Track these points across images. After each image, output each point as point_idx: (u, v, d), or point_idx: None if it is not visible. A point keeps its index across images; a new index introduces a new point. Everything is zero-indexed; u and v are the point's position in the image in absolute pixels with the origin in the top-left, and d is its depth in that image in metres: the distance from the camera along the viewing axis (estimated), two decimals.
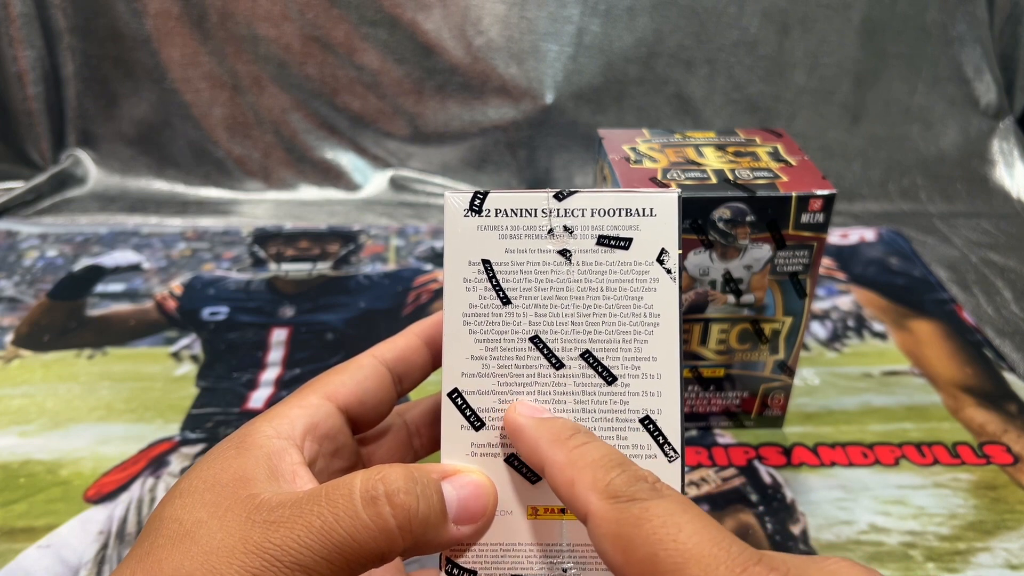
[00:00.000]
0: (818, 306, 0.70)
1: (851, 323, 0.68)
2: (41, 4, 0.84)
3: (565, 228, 0.27)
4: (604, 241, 0.27)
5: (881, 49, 0.91)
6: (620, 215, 0.27)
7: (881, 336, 0.66)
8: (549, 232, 0.27)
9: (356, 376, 0.29)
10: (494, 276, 0.28)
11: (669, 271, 0.27)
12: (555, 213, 0.27)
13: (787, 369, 0.52)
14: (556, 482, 0.23)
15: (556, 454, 0.23)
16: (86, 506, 0.49)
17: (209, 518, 0.23)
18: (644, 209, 0.27)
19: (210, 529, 0.23)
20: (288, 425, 0.26)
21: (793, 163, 0.48)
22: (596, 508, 0.21)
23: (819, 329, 0.67)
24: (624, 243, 0.27)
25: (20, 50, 0.85)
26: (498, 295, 0.27)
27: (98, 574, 0.45)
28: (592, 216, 0.27)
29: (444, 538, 0.24)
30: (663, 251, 0.27)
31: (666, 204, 0.27)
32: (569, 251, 0.27)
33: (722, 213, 0.45)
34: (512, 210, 0.28)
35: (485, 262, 0.28)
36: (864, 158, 0.93)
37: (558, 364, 0.27)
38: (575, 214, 0.27)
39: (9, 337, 0.65)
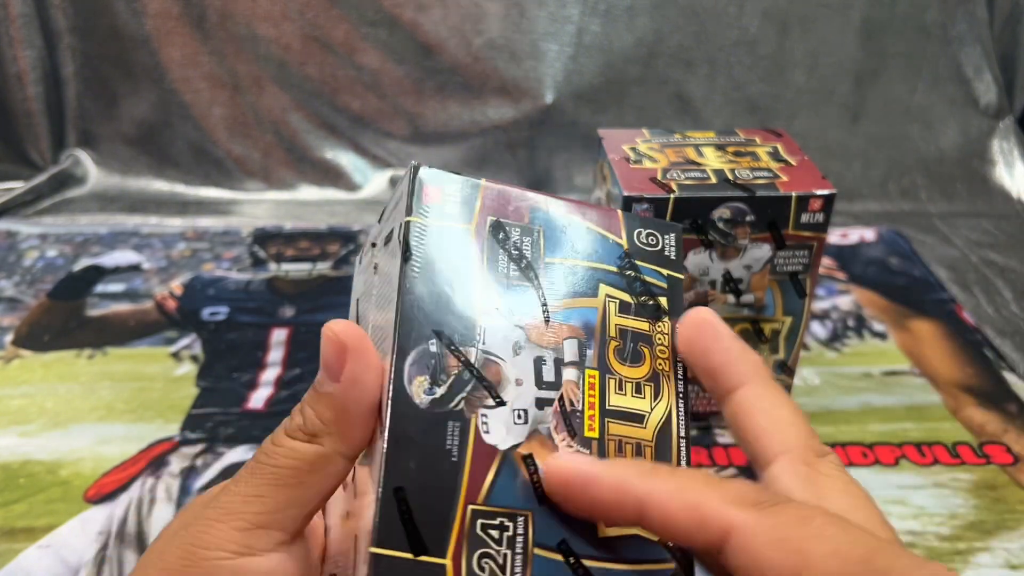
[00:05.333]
0: (818, 306, 0.70)
1: (851, 323, 0.68)
2: (41, 4, 0.84)
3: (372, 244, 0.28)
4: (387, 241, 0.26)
5: (881, 49, 0.91)
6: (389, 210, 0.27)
7: (881, 336, 0.66)
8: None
9: None
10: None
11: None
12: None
13: (787, 369, 0.52)
14: (668, 510, 0.20)
15: (659, 484, 0.21)
16: (86, 506, 0.49)
17: (172, 521, 0.24)
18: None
19: (167, 528, 0.24)
20: None
21: (793, 163, 0.48)
22: (744, 519, 0.19)
23: (819, 329, 0.67)
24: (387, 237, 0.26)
25: (20, 50, 0.85)
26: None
27: (98, 574, 0.45)
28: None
29: (340, 401, 0.23)
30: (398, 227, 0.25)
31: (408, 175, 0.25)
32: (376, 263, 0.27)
33: (722, 213, 0.45)
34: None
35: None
36: (864, 158, 0.93)
37: None
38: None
39: (9, 337, 0.65)
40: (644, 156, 0.49)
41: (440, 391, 0.22)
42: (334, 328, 0.23)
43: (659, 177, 0.46)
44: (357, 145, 0.91)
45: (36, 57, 0.86)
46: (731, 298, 0.49)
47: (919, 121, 0.93)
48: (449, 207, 0.25)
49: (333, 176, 0.91)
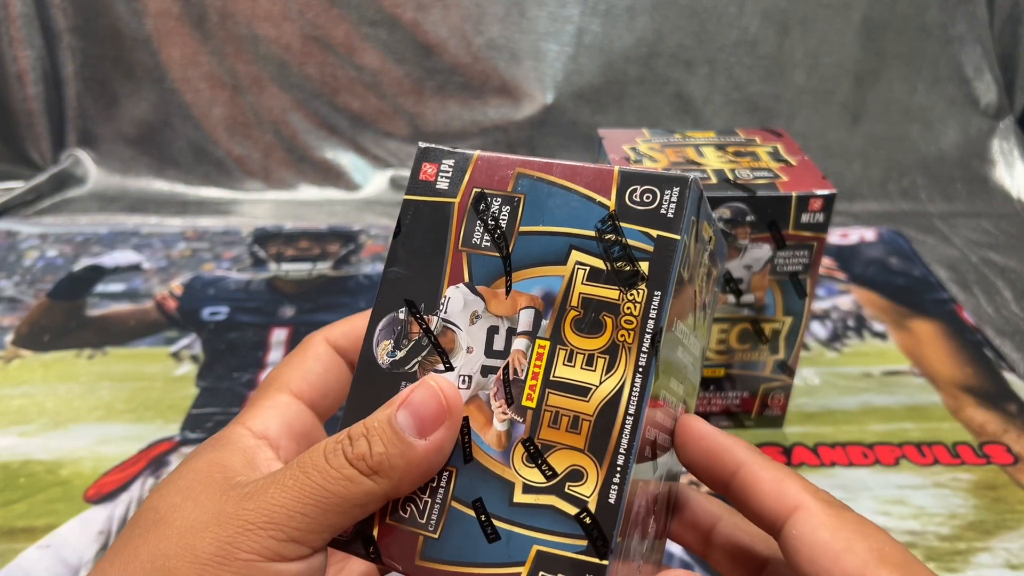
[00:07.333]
0: (818, 306, 0.70)
1: (851, 323, 0.68)
2: (41, 4, 0.84)
3: None
4: None
5: (881, 49, 0.91)
6: None
7: (881, 336, 0.66)
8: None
9: (315, 370, 0.29)
10: None
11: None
12: None
13: (787, 369, 0.52)
14: (758, 476, 0.25)
15: (759, 457, 0.25)
16: (86, 506, 0.49)
17: (183, 501, 0.24)
18: None
19: (184, 511, 0.23)
20: (262, 425, 0.27)
21: (793, 163, 0.48)
22: (814, 503, 0.24)
23: (819, 329, 0.67)
24: None
25: (20, 50, 0.85)
26: None
27: None
28: None
29: (417, 457, 0.23)
30: None
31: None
32: None
33: (722, 213, 0.45)
34: None
35: None
36: (864, 158, 0.93)
37: None
38: None
39: (9, 337, 0.65)
40: (644, 156, 0.49)
41: (400, 354, 0.25)
42: (443, 388, 0.24)
43: None
44: (357, 145, 0.91)
45: (36, 57, 0.86)
46: (731, 298, 0.49)
47: (919, 121, 0.93)
48: (440, 183, 0.26)
49: (333, 176, 0.91)
